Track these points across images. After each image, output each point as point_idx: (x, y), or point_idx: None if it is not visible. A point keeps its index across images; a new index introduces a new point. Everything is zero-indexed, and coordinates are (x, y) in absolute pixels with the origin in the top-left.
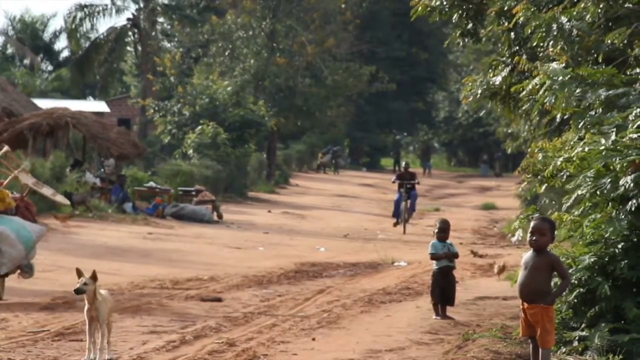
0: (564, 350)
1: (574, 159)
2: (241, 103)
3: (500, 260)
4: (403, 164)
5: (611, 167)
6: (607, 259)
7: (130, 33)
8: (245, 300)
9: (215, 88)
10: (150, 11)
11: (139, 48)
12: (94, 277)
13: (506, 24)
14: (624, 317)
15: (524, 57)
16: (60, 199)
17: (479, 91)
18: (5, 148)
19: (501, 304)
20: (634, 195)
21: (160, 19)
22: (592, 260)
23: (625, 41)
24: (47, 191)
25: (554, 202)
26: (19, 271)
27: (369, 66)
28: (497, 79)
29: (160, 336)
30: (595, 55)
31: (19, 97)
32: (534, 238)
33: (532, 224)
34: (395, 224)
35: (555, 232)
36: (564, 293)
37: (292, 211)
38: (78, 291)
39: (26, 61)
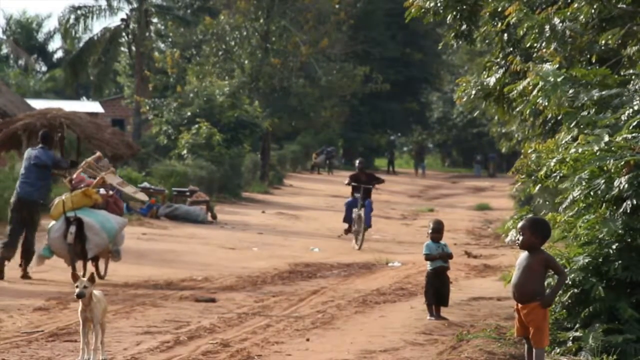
0: (558, 350)
1: (568, 160)
2: (237, 104)
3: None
4: (357, 162)
5: (605, 168)
6: (601, 260)
7: (124, 33)
8: (239, 300)
9: (212, 89)
10: (143, 12)
11: (133, 48)
12: (91, 279)
13: (500, 25)
14: (618, 318)
15: (518, 57)
16: (140, 196)
17: (473, 92)
18: (98, 153)
19: (495, 304)
20: (629, 196)
21: (154, 20)
22: (586, 261)
23: (619, 41)
24: (129, 189)
25: (547, 203)
26: (110, 255)
27: (363, 66)
28: (491, 80)
29: (154, 337)
30: (589, 56)
31: (12, 97)
32: (518, 237)
33: None
34: (347, 231)
35: (544, 231)
36: (560, 292)
37: (286, 211)
38: (80, 295)
39: (21, 62)
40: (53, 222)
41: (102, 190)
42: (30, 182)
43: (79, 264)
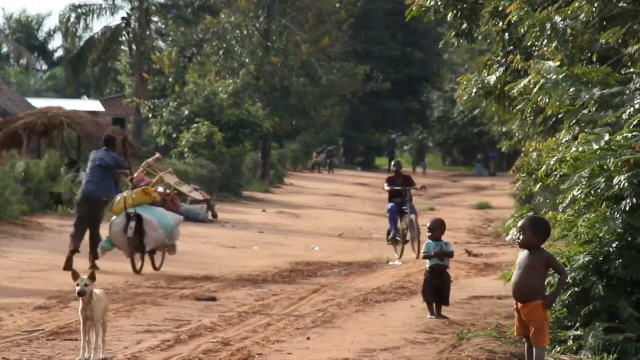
0: (558, 349)
1: (568, 159)
2: (239, 104)
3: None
4: (392, 163)
5: (605, 167)
6: (601, 259)
7: (124, 32)
8: (240, 299)
9: (212, 89)
10: (144, 11)
11: (134, 47)
12: (92, 277)
13: (500, 24)
14: (619, 317)
15: (519, 56)
16: (195, 195)
17: (474, 90)
18: (157, 155)
19: (496, 303)
20: (629, 194)
21: (155, 19)
22: (587, 259)
23: (620, 40)
24: (185, 189)
25: (548, 201)
26: (166, 249)
27: (363, 66)
28: (492, 79)
29: (155, 335)
30: (590, 55)
31: (13, 96)
32: (518, 236)
33: None
34: (391, 242)
35: (545, 231)
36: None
37: (287, 211)
38: (81, 293)
39: (22, 61)
40: (115, 217)
41: (160, 189)
42: (95, 182)
43: (137, 256)
